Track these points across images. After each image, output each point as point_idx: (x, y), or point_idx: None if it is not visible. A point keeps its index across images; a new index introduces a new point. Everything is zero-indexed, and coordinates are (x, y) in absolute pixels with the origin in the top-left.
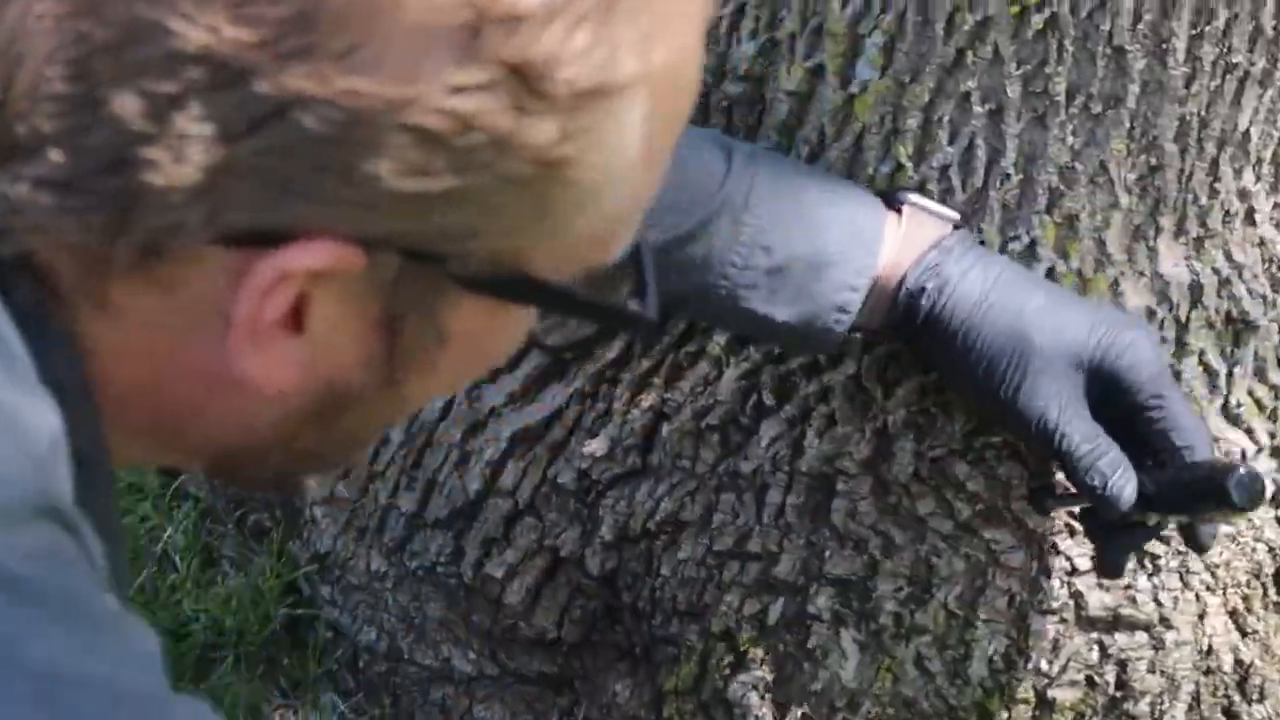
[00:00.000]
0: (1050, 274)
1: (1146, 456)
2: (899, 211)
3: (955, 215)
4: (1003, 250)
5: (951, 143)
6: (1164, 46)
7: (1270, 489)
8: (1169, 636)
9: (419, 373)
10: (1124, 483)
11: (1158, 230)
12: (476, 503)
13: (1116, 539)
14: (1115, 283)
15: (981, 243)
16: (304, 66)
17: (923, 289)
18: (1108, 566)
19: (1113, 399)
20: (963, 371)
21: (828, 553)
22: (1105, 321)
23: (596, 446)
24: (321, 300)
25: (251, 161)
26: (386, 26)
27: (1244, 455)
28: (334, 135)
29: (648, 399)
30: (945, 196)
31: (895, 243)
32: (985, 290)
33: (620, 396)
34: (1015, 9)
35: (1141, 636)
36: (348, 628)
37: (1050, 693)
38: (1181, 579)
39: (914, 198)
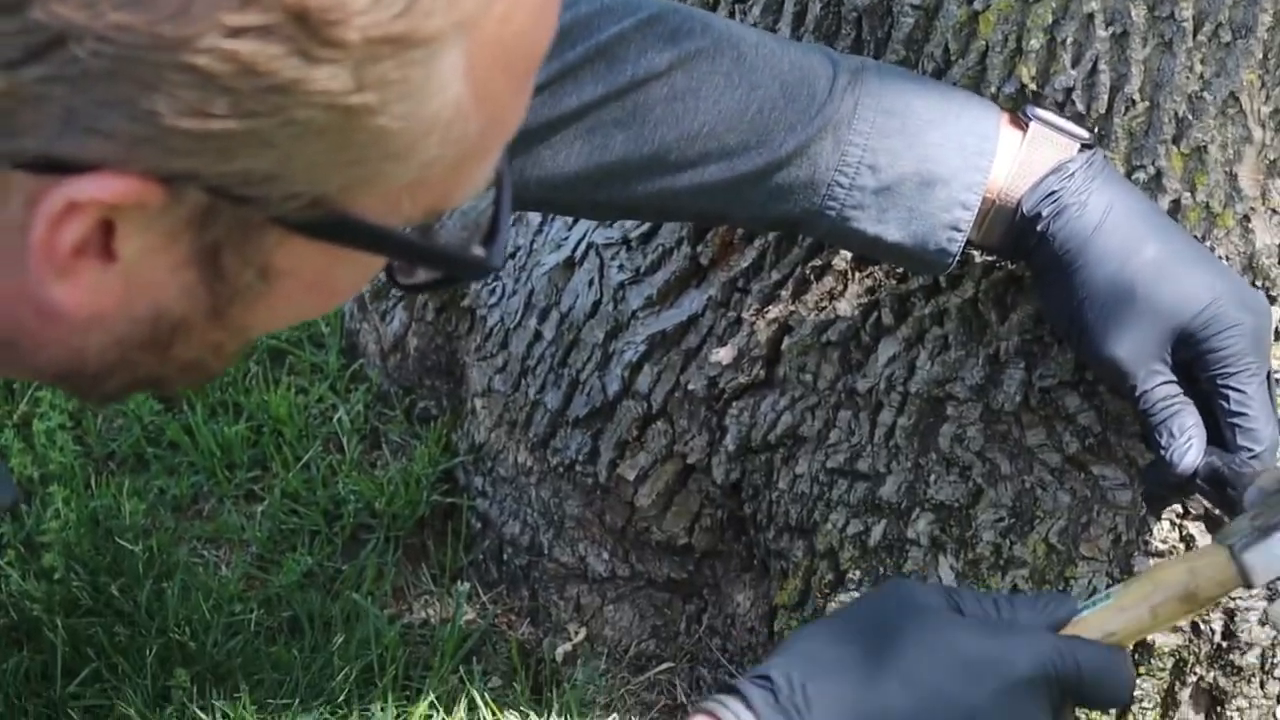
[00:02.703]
0: (1176, 206)
1: (1213, 439)
2: (1025, 127)
3: (1085, 134)
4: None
5: (1075, 65)
6: None
7: None
8: None
9: (249, 306)
10: (1186, 449)
11: None
12: (614, 404)
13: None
14: (1245, 218)
15: None
16: None
17: (1039, 214)
18: (1149, 502)
19: (1197, 371)
20: (1059, 305)
21: (933, 477)
22: (1218, 294)
23: (724, 355)
24: (128, 231)
25: (36, 89)
26: None
27: None
28: (110, 70)
29: (774, 310)
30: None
31: (1015, 161)
32: (1098, 226)
33: (750, 306)
34: None
35: None
36: (495, 519)
37: (1149, 635)
38: None
39: (1043, 113)
